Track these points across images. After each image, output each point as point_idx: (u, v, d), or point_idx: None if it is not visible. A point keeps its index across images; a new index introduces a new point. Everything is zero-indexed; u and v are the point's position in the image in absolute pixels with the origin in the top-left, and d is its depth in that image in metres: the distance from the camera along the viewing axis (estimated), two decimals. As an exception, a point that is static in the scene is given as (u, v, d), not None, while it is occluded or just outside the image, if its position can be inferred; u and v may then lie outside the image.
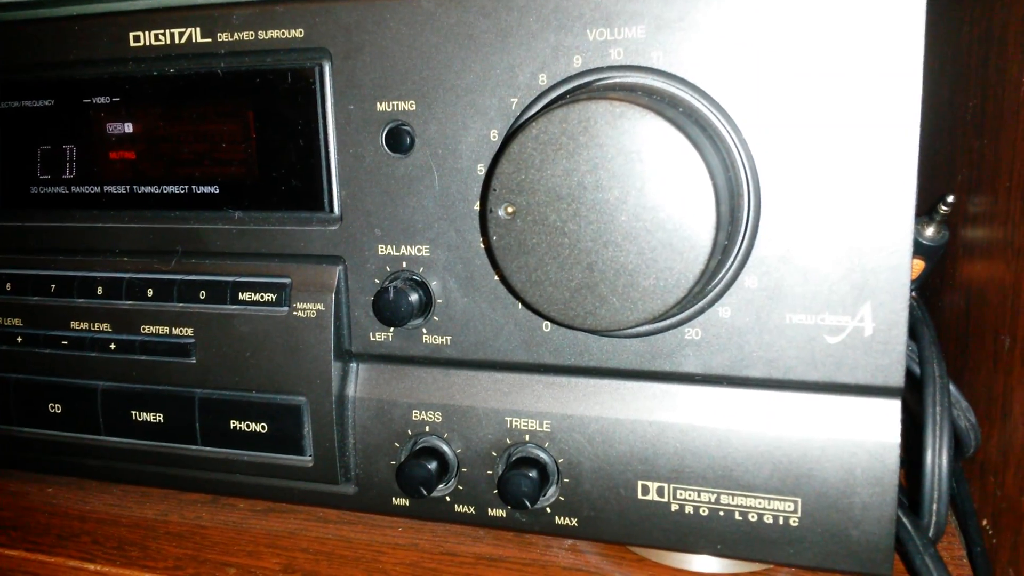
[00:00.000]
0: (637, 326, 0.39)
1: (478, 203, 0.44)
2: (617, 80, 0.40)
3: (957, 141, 0.59)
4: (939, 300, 0.62)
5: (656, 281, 0.37)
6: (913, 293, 0.44)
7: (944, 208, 0.54)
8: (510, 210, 0.39)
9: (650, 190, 0.36)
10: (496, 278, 0.45)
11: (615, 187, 0.37)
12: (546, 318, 0.42)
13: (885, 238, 0.39)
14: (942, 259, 0.58)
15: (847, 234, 0.40)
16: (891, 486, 0.41)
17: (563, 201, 0.38)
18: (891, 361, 0.40)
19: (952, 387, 0.47)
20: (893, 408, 0.41)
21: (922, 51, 0.38)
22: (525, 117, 0.42)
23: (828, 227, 0.40)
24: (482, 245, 0.45)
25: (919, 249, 0.56)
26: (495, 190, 0.39)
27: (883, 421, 0.41)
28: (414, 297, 0.46)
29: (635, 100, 0.36)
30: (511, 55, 0.42)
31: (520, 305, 0.45)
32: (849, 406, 0.41)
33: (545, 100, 0.42)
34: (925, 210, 0.55)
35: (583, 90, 0.40)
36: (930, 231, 0.56)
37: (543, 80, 0.42)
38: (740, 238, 0.40)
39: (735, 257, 0.41)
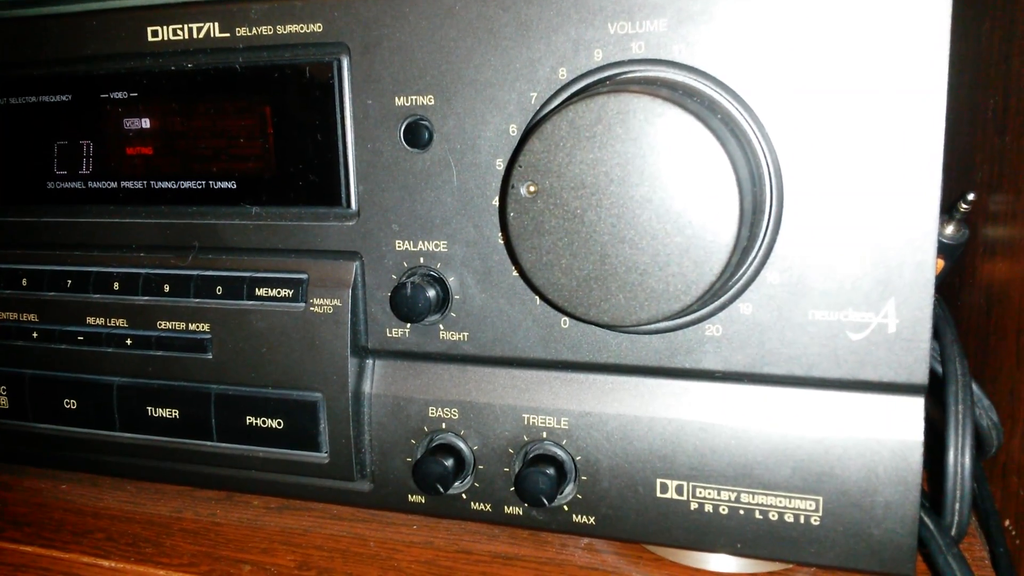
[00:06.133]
0: (638, 326, 0.38)
1: (496, 198, 0.44)
2: (639, 74, 0.40)
3: (978, 139, 0.58)
4: (959, 299, 0.62)
5: (670, 281, 0.37)
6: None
7: (964, 206, 0.54)
8: (532, 189, 0.38)
9: (673, 184, 0.36)
10: (515, 273, 0.45)
11: (642, 184, 0.36)
12: (549, 303, 0.42)
13: (909, 233, 0.39)
14: (962, 258, 0.58)
15: (871, 230, 0.39)
16: (914, 485, 0.40)
17: (587, 189, 0.37)
18: (915, 358, 0.40)
19: (974, 386, 0.47)
20: (917, 406, 0.41)
21: (948, 45, 0.37)
22: (545, 111, 0.42)
23: (851, 223, 0.39)
24: (500, 240, 0.45)
25: (939, 247, 0.55)
26: (520, 166, 0.38)
27: (906, 419, 0.41)
28: (431, 293, 0.46)
29: (666, 96, 0.36)
30: (531, 49, 0.42)
31: (538, 300, 0.44)
32: (872, 404, 0.41)
33: (565, 94, 0.42)
34: (945, 208, 0.54)
35: (614, 81, 0.40)
36: (950, 229, 0.55)
37: (563, 74, 0.42)
38: (762, 233, 0.40)
39: (757, 252, 0.40)
